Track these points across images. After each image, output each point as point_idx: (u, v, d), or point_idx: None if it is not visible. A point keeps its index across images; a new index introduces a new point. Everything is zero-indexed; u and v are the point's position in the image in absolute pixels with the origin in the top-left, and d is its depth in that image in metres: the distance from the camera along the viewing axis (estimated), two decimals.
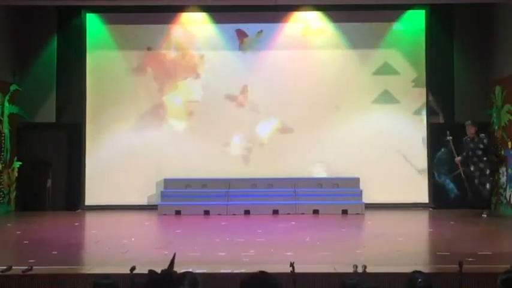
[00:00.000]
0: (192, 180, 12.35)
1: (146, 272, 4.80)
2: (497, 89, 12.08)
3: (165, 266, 6.49)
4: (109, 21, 13.01)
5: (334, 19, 12.92)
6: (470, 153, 11.36)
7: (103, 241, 8.64)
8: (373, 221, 10.92)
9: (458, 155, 11.44)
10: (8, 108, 12.19)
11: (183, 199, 12.00)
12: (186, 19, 13.06)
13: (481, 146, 11.34)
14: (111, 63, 12.99)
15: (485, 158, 11.32)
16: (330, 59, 12.97)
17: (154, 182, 12.63)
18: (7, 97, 12.19)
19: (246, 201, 12.02)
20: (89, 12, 12.98)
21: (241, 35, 12.92)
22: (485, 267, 6.33)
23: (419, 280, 4.27)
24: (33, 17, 12.67)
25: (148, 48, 12.94)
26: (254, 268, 6.66)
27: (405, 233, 9.25)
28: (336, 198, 12.04)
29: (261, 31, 12.88)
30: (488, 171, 11.35)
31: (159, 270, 6.05)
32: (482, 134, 11.48)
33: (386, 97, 12.87)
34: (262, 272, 4.13)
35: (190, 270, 5.19)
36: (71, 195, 12.57)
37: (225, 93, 12.91)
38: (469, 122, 11.45)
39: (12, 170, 12.31)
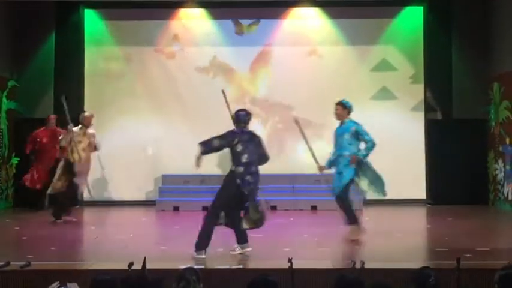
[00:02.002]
0: (191, 176, 12.33)
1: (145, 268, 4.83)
2: (495, 85, 12.09)
3: (164, 262, 6.54)
4: (107, 17, 13.01)
5: (333, 15, 12.92)
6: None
7: (100, 237, 8.65)
8: (371, 217, 10.93)
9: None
10: (5, 104, 12.17)
11: (182, 195, 12.01)
12: (184, 15, 13.05)
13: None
14: (109, 58, 12.98)
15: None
16: (328, 56, 12.97)
17: (153, 178, 12.64)
18: (5, 93, 12.17)
19: None
20: (87, 8, 12.97)
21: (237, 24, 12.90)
22: (483, 263, 6.36)
23: (432, 278, 4.26)
24: (31, 12, 12.63)
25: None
26: (252, 264, 6.70)
27: (403, 229, 9.27)
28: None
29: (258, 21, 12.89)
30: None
31: (156, 266, 6.08)
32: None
33: (384, 93, 12.87)
34: (263, 276, 4.16)
35: (189, 266, 5.22)
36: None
37: (224, 89, 12.87)
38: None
39: (10, 166, 12.30)
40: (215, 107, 12.86)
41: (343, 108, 8.40)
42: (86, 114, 10.55)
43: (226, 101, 8.50)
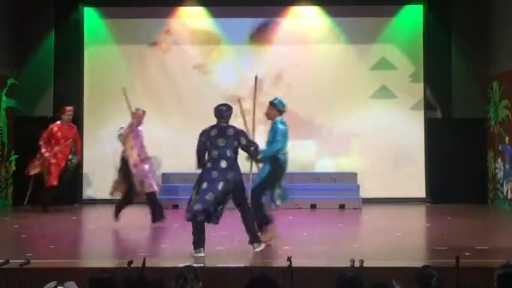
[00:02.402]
0: (190, 175, 12.28)
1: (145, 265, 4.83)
2: (495, 84, 12.09)
3: (164, 260, 6.54)
4: (107, 15, 13.00)
5: (332, 14, 12.91)
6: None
7: (100, 235, 8.64)
8: (370, 216, 10.95)
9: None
10: (5, 102, 12.17)
11: (181, 193, 12.00)
12: (184, 13, 13.05)
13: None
14: (109, 57, 12.98)
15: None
16: (327, 54, 12.96)
17: None
18: (4, 91, 12.17)
19: None
20: (87, 6, 12.97)
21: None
22: (482, 261, 6.35)
23: (434, 279, 4.26)
24: (31, 10, 12.63)
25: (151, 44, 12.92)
26: (251, 262, 6.70)
27: (402, 228, 9.28)
28: (334, 193, 12.04)
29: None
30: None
31: (156, 265, 6.09)
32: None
33: (383, 92, 12.86)
34: (263, 274, 4.16)
35: (188, 264, 5.22)
36: (68, 189, 12.54)
37: (224, 88, 12.89)
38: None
39: (10, 164, 12.30)
40: (214, 105, 12.88)
41: (272, 107, 8.11)
42: (138, 111, 9.76)
43: (255, 89, 8.33)
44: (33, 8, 12.61)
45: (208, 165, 7.17)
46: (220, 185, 7.07)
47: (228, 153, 7.18)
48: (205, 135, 7.27)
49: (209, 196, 7.02)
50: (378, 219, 10.71)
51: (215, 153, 7.15)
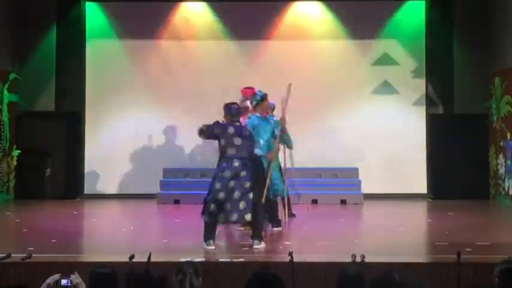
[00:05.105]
0: (191, 170, 12.35)
1: (145, 260, 4.84)
2: (497, 80, 12.07)
3: (165, 255, 6.54)
4: (108, 10, 12.99)
5: (334, 9, 12.90)
6: None
7: (101, 229, 8.65)
8: (371, 211, 10.95)
9: None
10: (7, 96, 12.17)
11: (182, 188, 12.01)
12: (185, 8, 13.03)
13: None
14: (110, 52, 12.97)
15: None
16: (329, 50, 12.95)
17: (153, 171, 12.63)
18: (6, 85, 12.17)
19: None
20: (88, 1, 12.96)
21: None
22: (483, 257, 6.35)
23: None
24: (33, 5, 12.62)
25: None
26: (253, 257, 6.71)
27: (404, 223, 9.28)
28: (335, 188, 12.04)
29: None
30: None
31: (157, 259, 6.09)
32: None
33: (385, 88, 12.86)
34: (265, 269, 4.17)
35: (189, 259, 5.23)
36: (70, 184, 12.58)
37: (223, 83, 12.88)
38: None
39: (12, 159, 12.31)
40: (216, 101, 12.86)
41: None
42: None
43: (288, 96, 8.39)
44: (34, 3, 12.60)
45: (223, 163, 7.14)
46: (232, 184, 7.02)
47: (244, 153, 7.14)
48: (221, 128, 7.21)
49: (221, 195, 7.00)
50: (379, 214, 10.71)
51: (232, 151, 7.11)
